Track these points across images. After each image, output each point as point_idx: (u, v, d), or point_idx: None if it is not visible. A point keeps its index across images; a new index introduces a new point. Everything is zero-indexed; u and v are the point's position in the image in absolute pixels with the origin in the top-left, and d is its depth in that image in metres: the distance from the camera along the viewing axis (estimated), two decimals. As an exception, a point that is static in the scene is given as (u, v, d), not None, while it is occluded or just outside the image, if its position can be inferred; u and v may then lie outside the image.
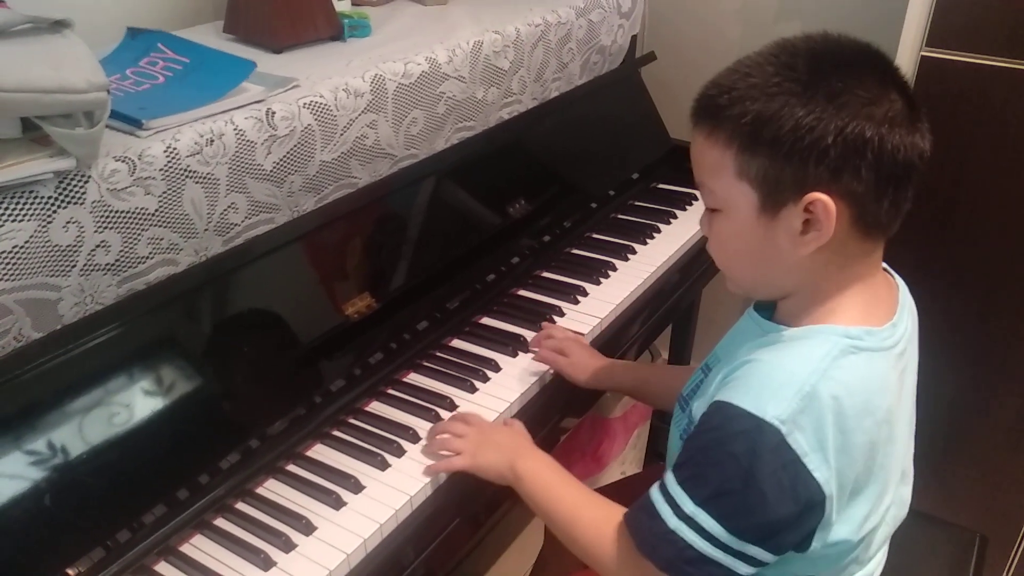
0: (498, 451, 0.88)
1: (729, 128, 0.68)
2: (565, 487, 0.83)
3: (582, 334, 1.13)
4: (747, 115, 0.67)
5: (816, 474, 0.66)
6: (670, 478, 0.71)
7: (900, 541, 0.86)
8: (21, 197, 0.75)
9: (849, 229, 0.68)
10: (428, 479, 0.88)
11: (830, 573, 0.77)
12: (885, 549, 0.85)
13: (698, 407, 0.75)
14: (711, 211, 0.74)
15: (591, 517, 0.80)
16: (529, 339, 1.10)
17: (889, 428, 0.72)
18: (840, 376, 0.67)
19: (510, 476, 0.86)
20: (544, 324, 1.13)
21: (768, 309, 0.78)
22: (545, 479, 0.84)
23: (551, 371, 1.06)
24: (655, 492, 0.72)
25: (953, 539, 1.12)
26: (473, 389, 1.02)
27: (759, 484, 0.65)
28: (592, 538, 0.79)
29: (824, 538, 0.70)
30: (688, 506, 0.68)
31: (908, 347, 0.76)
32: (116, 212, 0.82)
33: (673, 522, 0.69)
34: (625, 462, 1.80)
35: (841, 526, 0.71)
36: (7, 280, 0.75)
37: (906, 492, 0.83)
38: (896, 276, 0.79)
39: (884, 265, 0.77)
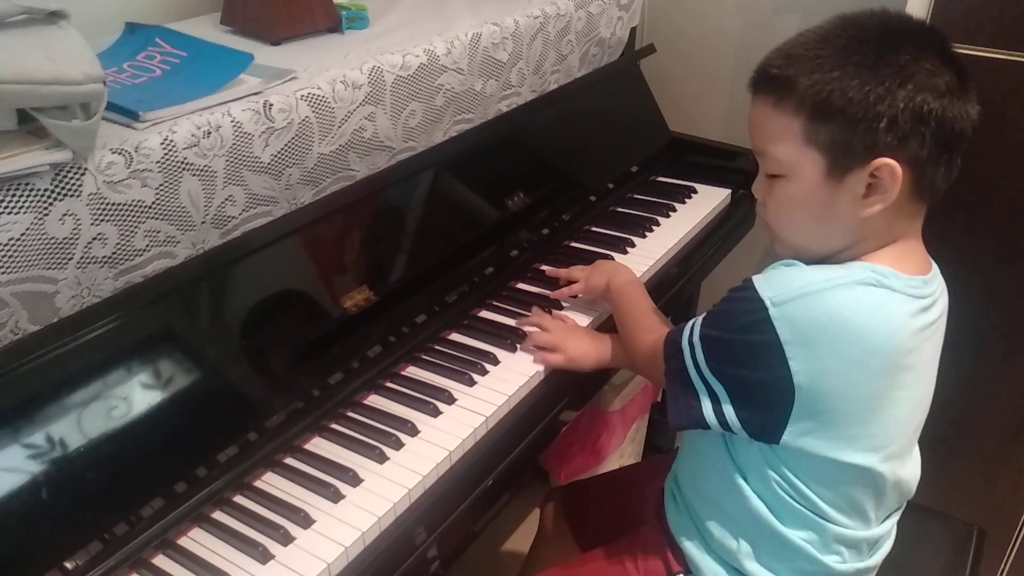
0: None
1: (798, 97, 0.73)
2: (636, 308, 1.03)
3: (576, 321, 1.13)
4: (818, 84, 0.72)
5: (792, 363, 0.72)
6: (704, 315, 0.82)
7: (898, 533, 0.86)
8: (17, 189, 0.74)
9: (907, 192, 0.74)
10: (426, 472, 0.88)
11: (826, 503, 0.80)
12: (891, 538, 0.86)
13: None
14: (772, 177, 0.79)
15: (645, 329, 0.99)
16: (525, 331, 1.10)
17: (895, 368, 0.75)
18: (851, 295, 0.72)
19: (610, 294, 1.08)
20: (532, 311, 1.14)
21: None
22: (626, 299, 1.05)
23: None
24: (692, 321, 0.83)
25: (951, 532, 1.13)
26: (472, 382, 1.02)
27: (740, 349, 0.76)
28: (640, 340, 0.98)
29: (796, 436, 0.75)
30: (695, 335, 0.81)
31: (940, 319, 0.81)
32: (113, 205, 0.81)
33: (684, 343, 0.82)
34: (624, 455, 1.80)
35: (819, 440, 0.75)
36: (3, 273, 0.75)
37: (914, 468, 0.87)
38: (932, 262, 0.83)
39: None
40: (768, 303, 0.73)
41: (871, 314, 0.73)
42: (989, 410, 1.43)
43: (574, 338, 1.05)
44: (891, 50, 0.71)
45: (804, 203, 0.77)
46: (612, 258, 1.28)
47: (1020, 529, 1.49)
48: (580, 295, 1.16)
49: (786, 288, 0.73)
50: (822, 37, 0.74)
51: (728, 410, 0.78)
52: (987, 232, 1.31)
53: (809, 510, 0.81)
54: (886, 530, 0.86)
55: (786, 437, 0.76)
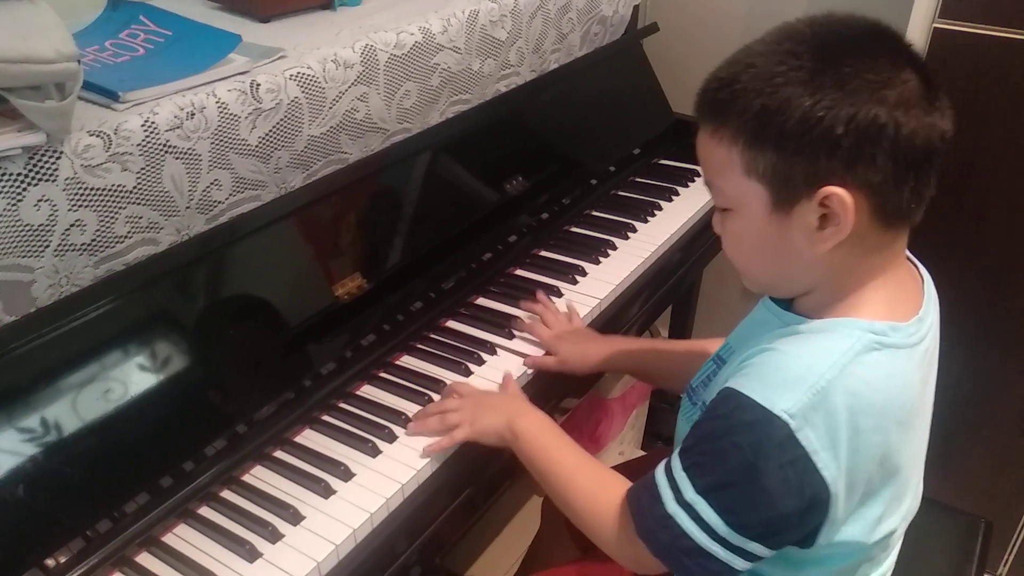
0: (496, 412, 0.87)
1: (734, 124, 0.65)
2: (562, 449, 0.83)
3: (579, 316, 1.10)
4: (751, 109, 0.63)
5: (824, 472, 0.63)
6: (676, 461, 0.69)
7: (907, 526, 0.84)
8: (-12, 174, 0.71)
9: (869, 221, 0.64)
10: (420, 466, 0.85)
11: (843, 571, 0.74)
12: (898, 547, 0.83)
13: (710, 398, 0.72)
14: (723, 211, 0.71)
15: (586, 483, 0.79)
16: (526, 320, 1.07)
17: (909, 429, 0.69)
18: (860, 373, 0.64)
19: (508, 436, 0.85)
20: (533, 302, 1.10)
21: (785, 300, 0.74)
22: (542, 440, 0.83)
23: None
24: (660, 473, 0.70)
25: (958, 525, 1.11)
26: (468, 372, 0.99)
27: (762, 478, 0.63)
28: (585, 504, 0.78)
29: (831, 537, 0.67)
30: (689, 493, 0.66)
31: (932, 345, 0.73)
32: (91, 189, 0.78)
33: (672, 507, 0.67)
34: (623, 443, 1.78)
35: (852, 527, 0.69)
36: (-23, 261, 0.72)
37: (919, 488, 0.81)
38: (920, 267, 0.75)
39: (908, 255, 0.73)
40: (787, 418, 0.62)
41: (885, 387, 0.65)
42: (996, 405, 1.40)
43: (573, 340, 1.03)
44: (829, 62, 0.61)
45: (756, 239, 0.68)
46: (613, 244, 1.25)
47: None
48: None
49: (793, 393, 0.63)
50: (758, 53, 0.64)
51: (765, 552, 0.66)
52: (1000, 218, 1.27)
53: None
54: (894, 556, 0.83)
55: (820, 540, 0.67)
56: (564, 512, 0.81)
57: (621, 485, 0.76)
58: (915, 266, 0.75)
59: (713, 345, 0.85)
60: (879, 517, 0.70)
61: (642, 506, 0.70)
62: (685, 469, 0.67)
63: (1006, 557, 1.52)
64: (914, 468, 0.74)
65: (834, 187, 0.62)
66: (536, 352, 1.03)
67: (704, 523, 0.65)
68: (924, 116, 0.62)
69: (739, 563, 0.66)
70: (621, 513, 0.73)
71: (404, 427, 0.90)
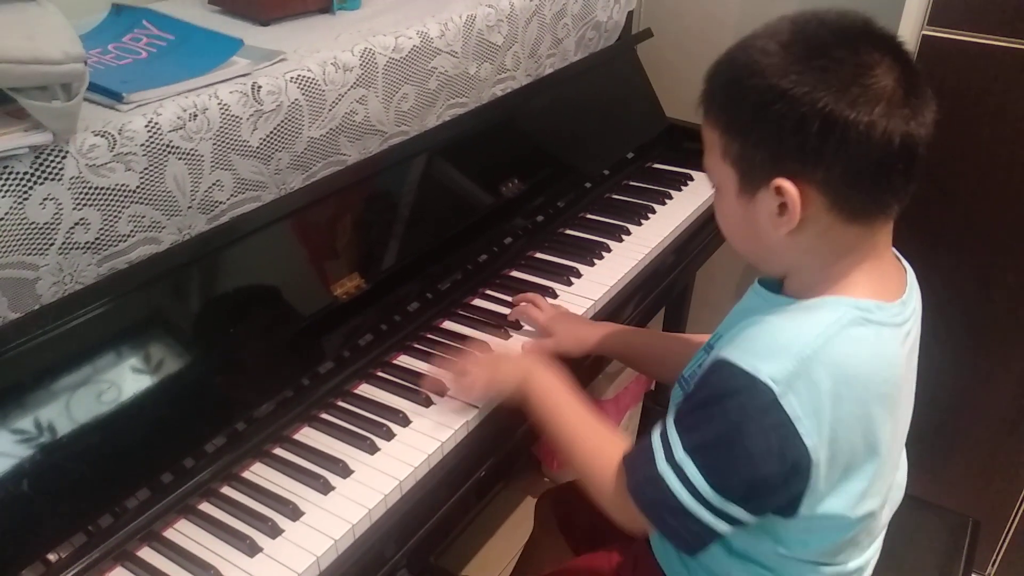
0: (512, 368, 0.90)
1: (716, 110, 0.70)
2: (571, 406, 0.84)
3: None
4: (726, 98, 0.68)
5: (806, 439, 0.65)
6: (670, 423, 0.72)
7: (893, 525, 0.86)
8: (-5, 172, 0.72)
9: (828, 214, 0.67)
10: (418, 463, 0.86)
11: (825, 552, 0.76)
12: (881, 537, 0.85)
13: None
14: (714, 187, 0.75)
15: (590, 441, 0.81)
16: (522, 321, 1.09)
17: (892, 405, 0.71)
18: (845, 345, 0.66)
19: (524, 389, 0.88)
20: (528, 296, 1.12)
21: (774, 284, 0.77)
22: (554, 397, 0.86)
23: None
24: (655, 434, 0.73)
25: (946, 523, 1.12)
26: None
27: (745, 441, 0.65)
28: (588, 461, 0.80)
29: (813, 507, 0.70)
30: (678, 452, 0.69)
31: (914, 330, 0.75)
32: (95, 189, 0.79)
33: (662, 466, 0.70)
34: (617, 444, 1.79)
35: (835, 499, 0.71)
36: (-18, 259, 0.73)
37: (902, 476, 0.83)
38: (904, 260, 0.77)
39: (893, 251, 0.75)
40: (771, 384, 0.64)
41: (869, 360, 0.67)
42: (984, 404, 1.42)
43: (567, 322, 1.05)
44: (797, 59, 0.63)
45: (732, 219, 0.73)
46: (607, 246, 1.26)
47: (1013, 521, 1.49)
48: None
49: (778, 360, 0.65)
50: (746, 45, 0.68)
51: (747, 517, 0.69)
52: (984, 224, 1.30)
53: (803, 560, 0.77)
54: (877, 545, 0.85)
55: (803, 510, 0.70)
56: (570, 467, 0.83)
57: (623, 445, 0.78)
58: (900, 261, 0.77)
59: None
60: (862, 492, 0.72)
61: (636, 464, 0.73)
62: (677, 431, 0.70)
63: (994, 556, 1.54)
64: (897, 448, 0.76)
65: (783, 180, 0.65)
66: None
67: (689, 483, 0.68)
68: (887, 118, 0.62)
69: (722, 526, 0.69)
70: (619, 471, 0.76)
71: (402, 425, 0.91)
